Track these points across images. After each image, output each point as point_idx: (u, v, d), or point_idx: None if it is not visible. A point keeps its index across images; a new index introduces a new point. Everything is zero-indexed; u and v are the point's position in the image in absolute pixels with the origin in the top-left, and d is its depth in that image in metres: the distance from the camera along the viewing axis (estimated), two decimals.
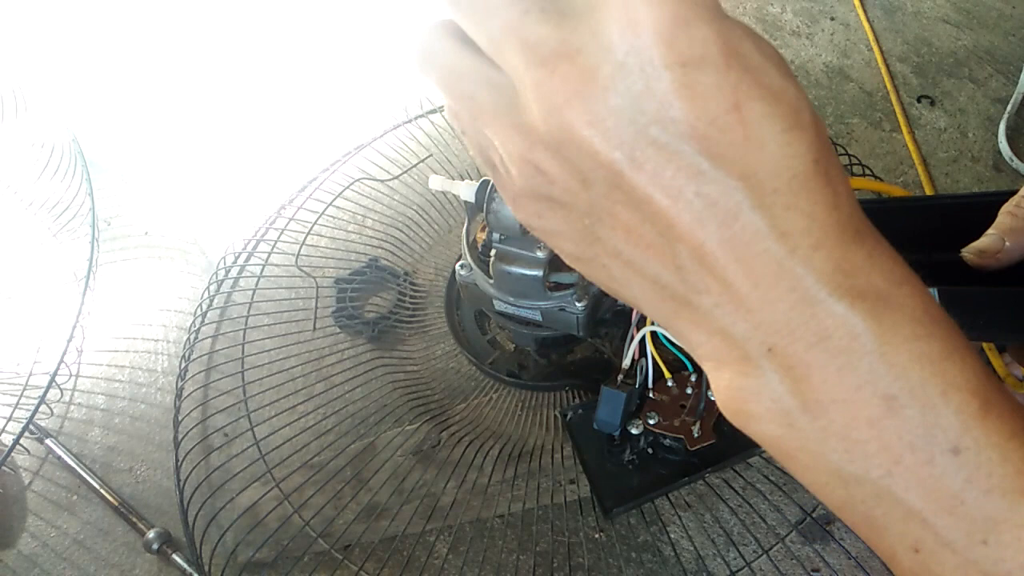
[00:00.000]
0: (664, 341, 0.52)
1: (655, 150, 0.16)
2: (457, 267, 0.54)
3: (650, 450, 0.52)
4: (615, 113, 0.16)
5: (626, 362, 0.53)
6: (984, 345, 0.37)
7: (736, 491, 0.55)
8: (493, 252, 0.49)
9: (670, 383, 0.53)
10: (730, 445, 0.51)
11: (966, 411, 0.16)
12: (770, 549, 0.53)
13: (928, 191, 0.74)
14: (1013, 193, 0.28)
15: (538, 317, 0.53)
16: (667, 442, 0.52)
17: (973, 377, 0.16)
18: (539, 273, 0.48)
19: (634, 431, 0.52)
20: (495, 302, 0.53)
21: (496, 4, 0.17)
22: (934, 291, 0.28)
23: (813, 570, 0.52)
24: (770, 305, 0.17)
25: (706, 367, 0.19)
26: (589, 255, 0.20)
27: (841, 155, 0.70)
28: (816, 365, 0.17)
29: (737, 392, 0.18)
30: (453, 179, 0.50)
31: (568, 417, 0.54)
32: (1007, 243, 0.27)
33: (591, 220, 0.18)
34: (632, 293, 0.20)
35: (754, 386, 0.18)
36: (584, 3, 0.16)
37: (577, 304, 0.51)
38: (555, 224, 0.20)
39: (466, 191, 0.49)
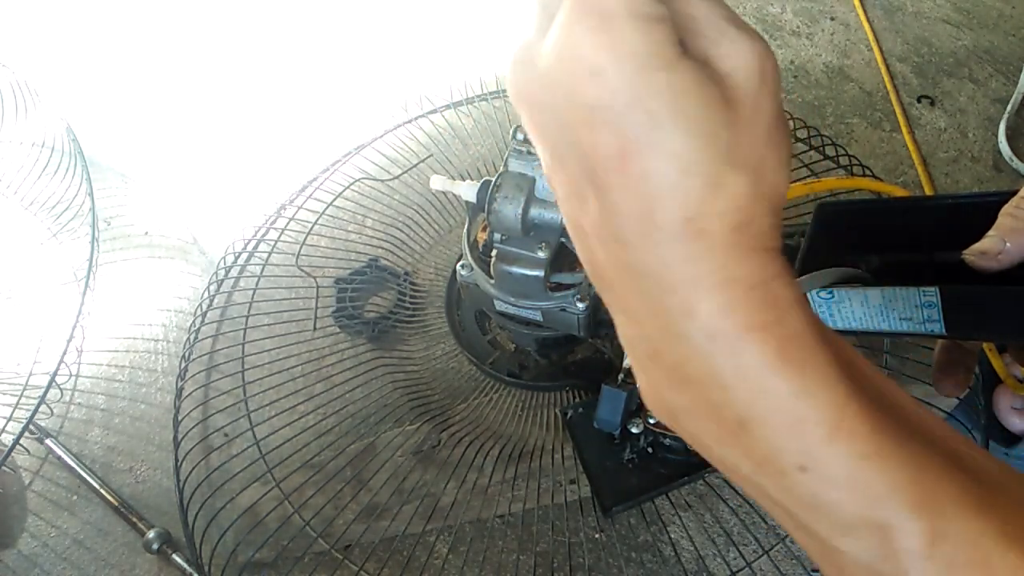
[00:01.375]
0: None
1: (575, 157, 0.17)
2: (458, 267, 0.54)
3: (650, 449, 0.52)
4: (550, 110, 0.17)
5: (627, 361, 0.53)
6: (984, 345, 0.37)
7: (736, 491, 0.55)
8: (494, 252, 0.49)
9: None
10: None
11: (811, 438, 0.17)
12: (770, 549, 0.53)
13: (928, 191, 0.74)
14: (1013, 193, 0.28)
15: (539, 317, 0.53)
16: (667, 441, 0.52)
17: (826, 407, 0.17)
18: (540, 273, 0.48)
19: (634, 430, 0.52)
20: (496, 302, 0.53)
21: None
22: (935, 290, 0.28)
23: (813, 570, 0.52)
24: (648, 319, 0.18)
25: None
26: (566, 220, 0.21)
27: (841, 155, 0.70)
28: (690, 381, 0.18)
29: (642, 390, 0.20)
30: (454, 179, 0.51)
31: (568, 415, 0.54)
32: (1008, 244, 0.27)
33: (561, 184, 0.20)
34: (589, 270, 0.21)
35: (644, 384, 0.20)
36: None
37: (578, 304, 0.51)
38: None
39: (467, 191, 0.49)
